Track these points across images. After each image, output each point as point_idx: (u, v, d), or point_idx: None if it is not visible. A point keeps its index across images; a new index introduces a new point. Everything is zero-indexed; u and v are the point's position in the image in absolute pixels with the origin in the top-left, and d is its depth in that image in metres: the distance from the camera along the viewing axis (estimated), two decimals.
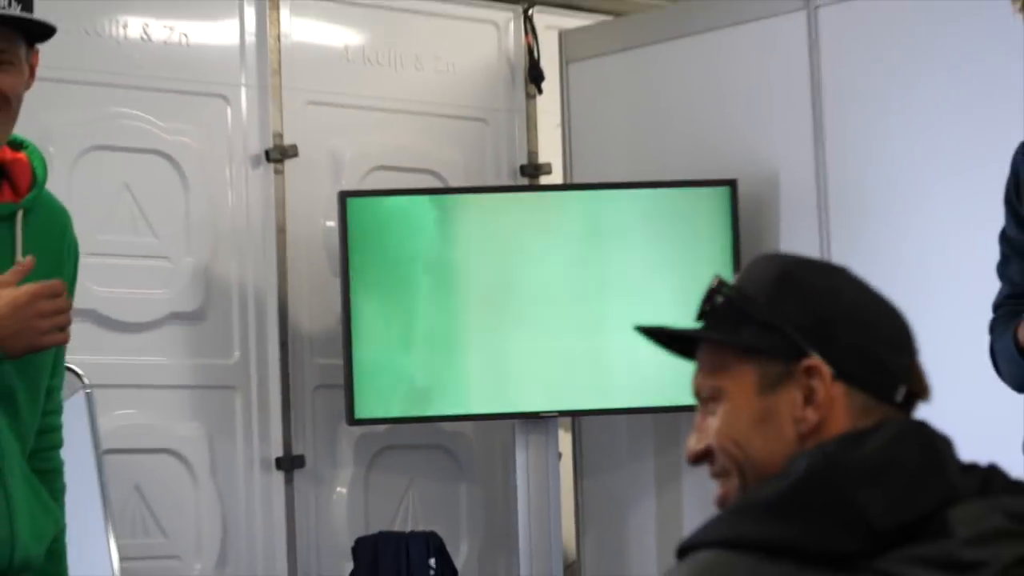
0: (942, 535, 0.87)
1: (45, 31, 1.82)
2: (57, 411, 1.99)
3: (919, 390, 0.97)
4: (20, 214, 1.81)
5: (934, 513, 0.88)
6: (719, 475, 0.98)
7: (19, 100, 1.79)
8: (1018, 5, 2.06)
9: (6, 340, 1.71)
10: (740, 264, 3.49)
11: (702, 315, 1.00)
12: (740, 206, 3.26)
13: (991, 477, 0.95)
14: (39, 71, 2.34)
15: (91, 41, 3.19)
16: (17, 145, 1.88)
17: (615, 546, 3.64)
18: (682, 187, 3.34)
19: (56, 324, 1.77)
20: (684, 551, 0.90)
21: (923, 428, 0.95)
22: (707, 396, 0.98)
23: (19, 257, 1.81)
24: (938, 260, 3.19)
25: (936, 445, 0.94)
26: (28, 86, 1.80)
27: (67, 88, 3.09)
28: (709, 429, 0.98)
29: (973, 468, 0.95)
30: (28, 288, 1.76)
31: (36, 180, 1.83)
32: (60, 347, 1.95)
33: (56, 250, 1.84)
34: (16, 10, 1.73)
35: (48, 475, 1.95)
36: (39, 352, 1.83)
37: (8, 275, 1.77)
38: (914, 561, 0.85)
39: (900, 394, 0.95)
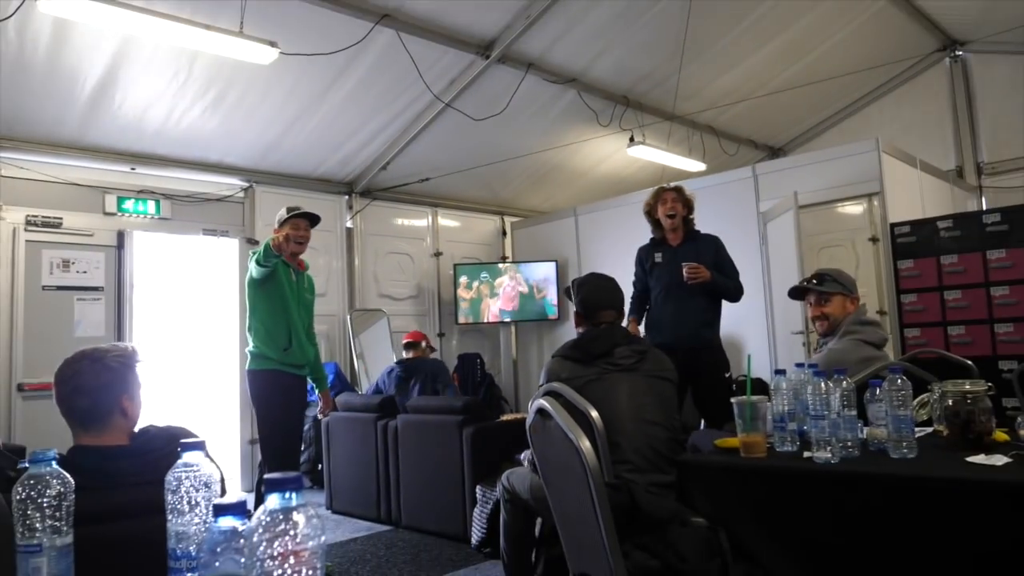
0: (612, 356, 2.53)
1: (316, 220, 3.91)
2: (314, 340, 3.99)
3: (597, 321, 2.58)
4: (303, 273, 3.88)
5: (610, 349, 2.51)
6: None
7: (306, 245, 3.80)
8: (645, 208, 3.90)
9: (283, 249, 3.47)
10: (559, 291, 8.23)
11: (568, 292, 2.82)
12: (560, 270, 8.14)
13: (633, 340, 2.51)
14: (387, 240, 8.29)
15: (389, 225, 8.20)
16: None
17: (526, 357, 8.55)
18: (545, 261, 8.20)
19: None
20: (554, 355, 2.49)
21: (611, 327, 2.49)
22: None
23: (299, 284, 3.83)
24: None
25: (614, 330, 2.52)
26: (308, 240, 3.89)
27: (381, 239, 8.10)
28: None
29: (633, 338, 2.49)
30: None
31: (306, 265, 3.80)
32: (312, 312, 3.99)
33: (312, 286, 3.87)
34: (311, 211, 3.82)
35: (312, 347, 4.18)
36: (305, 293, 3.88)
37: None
38: (604, 364, 2.49)
39: (596, 320, 2.60)
